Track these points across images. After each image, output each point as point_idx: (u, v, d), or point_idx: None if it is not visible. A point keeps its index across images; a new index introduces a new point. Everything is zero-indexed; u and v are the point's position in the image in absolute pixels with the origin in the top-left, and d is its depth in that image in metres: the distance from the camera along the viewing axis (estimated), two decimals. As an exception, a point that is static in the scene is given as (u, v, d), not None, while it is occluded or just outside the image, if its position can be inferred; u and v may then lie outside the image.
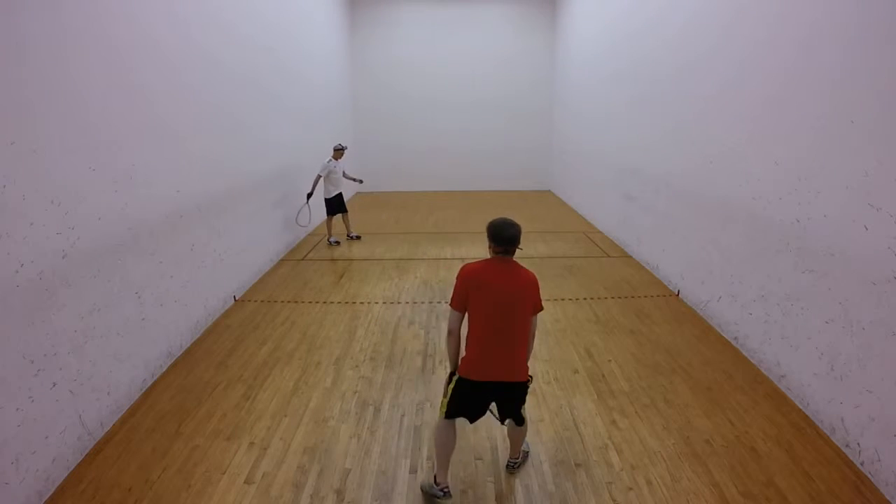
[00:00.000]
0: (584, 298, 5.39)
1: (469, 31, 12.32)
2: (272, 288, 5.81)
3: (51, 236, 2.80)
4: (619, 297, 5.44)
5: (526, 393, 2.55)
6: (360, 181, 8.45)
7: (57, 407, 2.79)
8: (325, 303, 5.35)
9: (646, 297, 5.47)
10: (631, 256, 7.02)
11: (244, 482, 2.77)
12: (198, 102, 4.67)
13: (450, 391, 2.48)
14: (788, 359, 3.62)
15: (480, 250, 7.29)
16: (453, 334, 2.47)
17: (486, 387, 2.42)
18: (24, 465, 2.52)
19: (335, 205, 7.71)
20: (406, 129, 12.74)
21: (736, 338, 4.32)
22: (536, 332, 2.61)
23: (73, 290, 2.96)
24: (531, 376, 2.55)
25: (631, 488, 2.73)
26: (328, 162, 7.50)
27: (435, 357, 4.16)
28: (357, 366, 4.03)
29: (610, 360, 4.08)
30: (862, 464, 2.87)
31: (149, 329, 3.75)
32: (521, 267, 2.47)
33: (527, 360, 2.53)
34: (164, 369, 3.94)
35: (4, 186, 2.48)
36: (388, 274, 6.33)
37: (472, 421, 2.57)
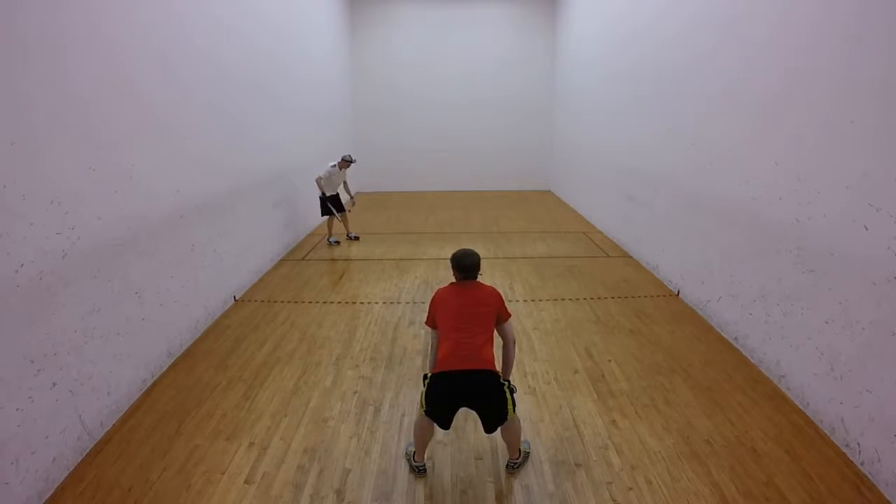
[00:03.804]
0: (584, 298, 5.39)
1: (469, 31, 12.32)
2: (272, 288, 5.81)
3: (51, 236, 2.80)
4: (619, 297, 5.44)
5: (501, 395, 2.56)
6: (352, 199, 8.08)
7: (57, 407, 2.79)
8: (325, 303, 5.35)
9: (646, 297, 5.47)
10: (631, 256, 7.02)
11: (244, 482, 2.77)
12: (198, 103, 4.68)
13: (425, 388, 2.64)
14: (788, 359, 3.62)
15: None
16: (433, 347, 2.86)
17: (455, 379, 2.53)
18: (24, 465, 2.53)
19: (333, 204, 7.69)
20: (406, 129, 12.75)
21: (736, 338, 4.32)
22: (517, 339, 2.80)
23: (73, 290, 2.96)
24: (509, 381, 2.72)
25: (631, 488, 2.73)
26: (331, 167, 7.55)
27: (435, 357, 4.17)
28: (357, 366, 4.03)
29: (610, 360, 4.08)
30: (862, 464, 2.87)
31: (149, 329, 3.75)
32: (483, 285, 2.87)
33: (508, 367, 2.85)
34: (164, 369, 3.94)
35: (4, 186, 2.48)
36: (388, 274, 6.33)
37: (443, 425, 2.64)
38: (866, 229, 2.92)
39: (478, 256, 2.90)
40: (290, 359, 4.13)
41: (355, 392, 3.65)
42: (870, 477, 2.80)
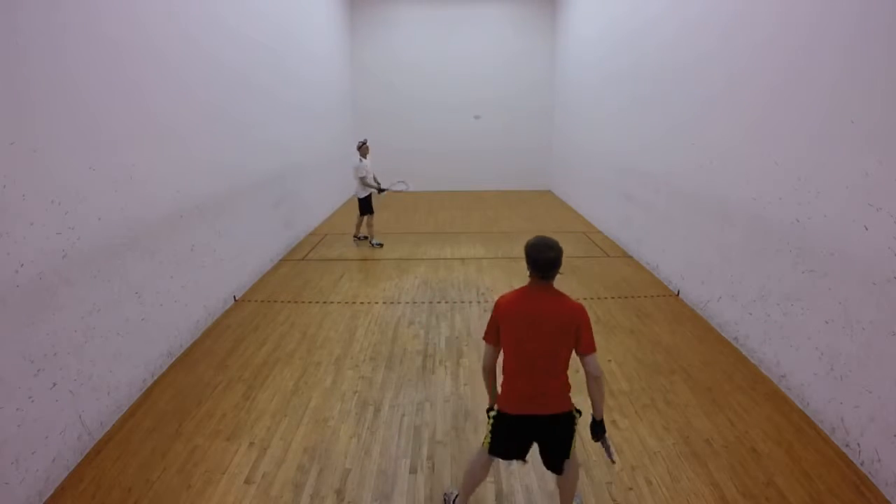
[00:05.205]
0: (584, 298, 5.39)
1: (469, 32, 12.33)
2: (272, 288, 5.81)
3: (51, 236, 2.80)
4: (619, 297, 5.44)
5: (571, 433, 2.23)
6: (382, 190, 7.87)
7: (57, 407, 2.79)
8: (325, 303, 5.35)
9: (646, 297, 5.47)
10: (631, 256, 7.02)
11: (244, 482, 2.77)
12: (198, 102, 4.68)
13: (490, 426, 2.31)
14: (788, 359, 3.62)
15: (480, 251, 7.30)
16: (487, 370, 2.32)
17: (524, 421, 2.22)
18: (24, 465, 2.53)
19: (367, 205, 7.62)
20: (406, 129, 12.75)
21: (736, 338, 4.32)
22: (601, 377, 2.21)
23: (73, 290, 2.96)
24: (579, 411, 2.26)
25: (631, 488, 2.73)
26: (361, 163, 7.46)
27: (435, 357, 4.16)
28: (357, 366, 4.03)
29: (610, 360, 4.08)
30: (862, 464, 2.87)
31: (149, 329, 3.75)
32: (564, 297, 2.17)
33: (599, 405, 2.23)
34: (164, 369, 3.94)
35: (4, 186, 2.49)
36: (388, 274, 6.33)
37: (508, 458, 2.37)
38: (866, 229, 2.92)
39: (560, 250, 2.13)
40: (290, 359, 4.13)
41: (355, 392, 3.65)
42: (870, 477, 2.79)
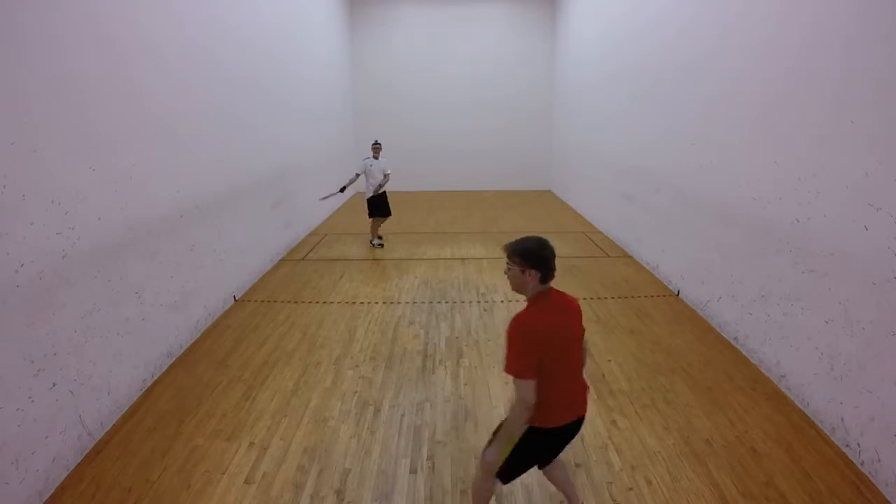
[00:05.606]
0: (584, 298, 5.39)
1: (469, 31, 12.33)
2: (272, 288, 5.81)
3: (51, 236, 2.80)
4: (619, 297, 5.45)
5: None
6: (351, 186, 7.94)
7: (57, 407, 2.79)
8: (325, 303, 5.35)
9: (646, 297, 5.47)
10: (631, 256, 7.02)
11: (244, 482, 2.77)
12: (198, 102, 4.68)
13: (509, 450, 2.09)
14: (788, 359, 3.62)
15: (480, 250, 7.29)
16: (531, 408, 1.94)
17: (565, 430, 2.13)
18: (23, 465, 2.53)
19: (375, 206, 7.49)
20: (406, 129, 12.75)
21: (736, 338, 4.32)
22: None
23: (73, 290, 2.96)
24: None
25: (631, 488, 2.73)
26: (364, 160, 7.43)
27: (435, 357, 4.16)
28: (357, 366, 4.03)
29: (610, 360, 4.08)
30: (862, 464, 2.87)
31: (149, 329, 3.75)
32: (566, 295, 2.16)
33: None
34: (164, 369, 3.94)
35: (4, 186, 2.48)
36: (388, 274, 6.33)
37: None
38: (866, 229, 2.92)
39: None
40: (290, 359, 4.13)
41: (355, 392, 3.65)
42: (870, 477, 2.80)
